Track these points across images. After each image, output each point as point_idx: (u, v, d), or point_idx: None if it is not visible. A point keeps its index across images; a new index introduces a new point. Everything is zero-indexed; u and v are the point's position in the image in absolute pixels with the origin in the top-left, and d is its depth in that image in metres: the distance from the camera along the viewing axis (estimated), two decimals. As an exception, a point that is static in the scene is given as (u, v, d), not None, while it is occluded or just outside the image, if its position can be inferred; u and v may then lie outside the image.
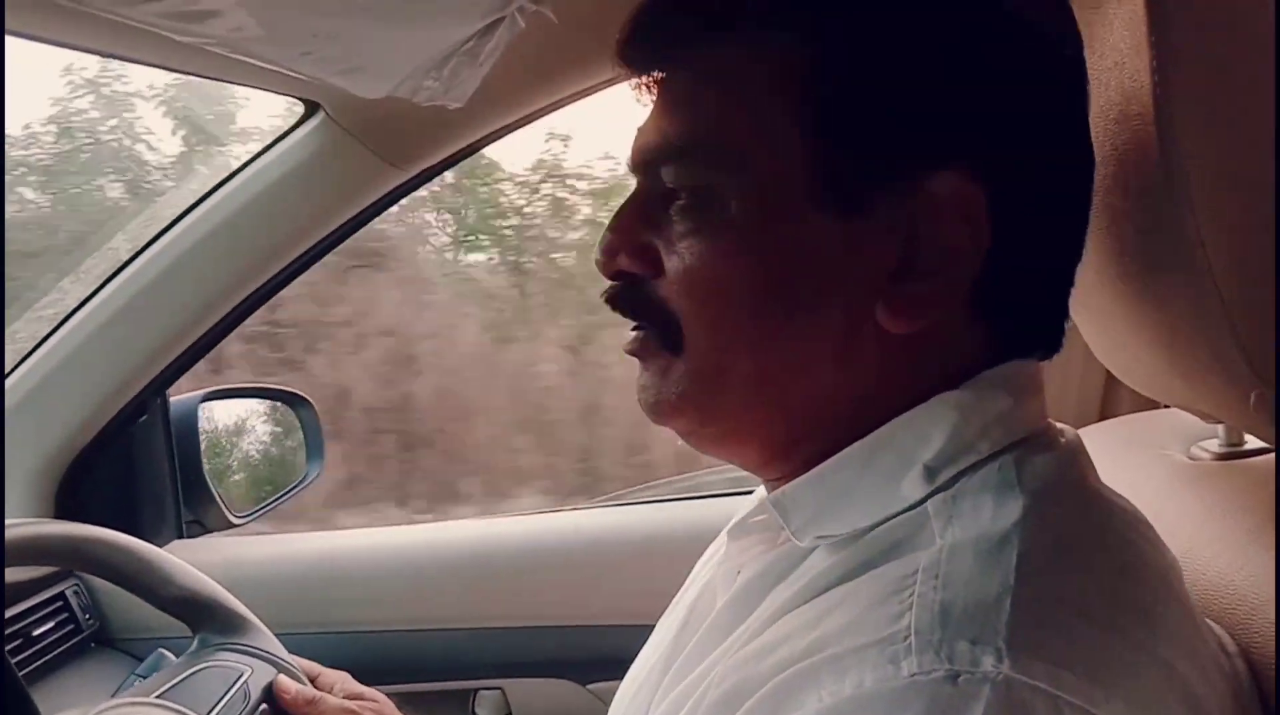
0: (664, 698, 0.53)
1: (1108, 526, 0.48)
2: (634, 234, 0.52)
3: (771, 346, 0.49)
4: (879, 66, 0.46)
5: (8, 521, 0.80)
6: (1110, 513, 0.49)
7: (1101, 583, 0.43)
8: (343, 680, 0.91)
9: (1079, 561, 0.44)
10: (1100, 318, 0.65)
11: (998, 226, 0.47)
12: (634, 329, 0.54)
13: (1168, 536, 0.58)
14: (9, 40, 0.63)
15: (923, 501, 0.47)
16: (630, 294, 0.53)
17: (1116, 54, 0.53)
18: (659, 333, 0.52)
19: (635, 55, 0.53)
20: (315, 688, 0.89)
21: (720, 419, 0.52)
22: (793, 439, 0.51)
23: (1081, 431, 0.86)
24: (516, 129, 1.07)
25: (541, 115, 1.06)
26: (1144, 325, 0.57)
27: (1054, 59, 0.49)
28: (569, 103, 1.04)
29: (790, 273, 0.48)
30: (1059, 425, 0.55)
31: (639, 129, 0.53)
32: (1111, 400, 1.06)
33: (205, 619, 0.87)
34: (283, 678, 0.85)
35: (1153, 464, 0.73)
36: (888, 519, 0.48)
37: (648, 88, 0.53)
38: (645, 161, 0.52)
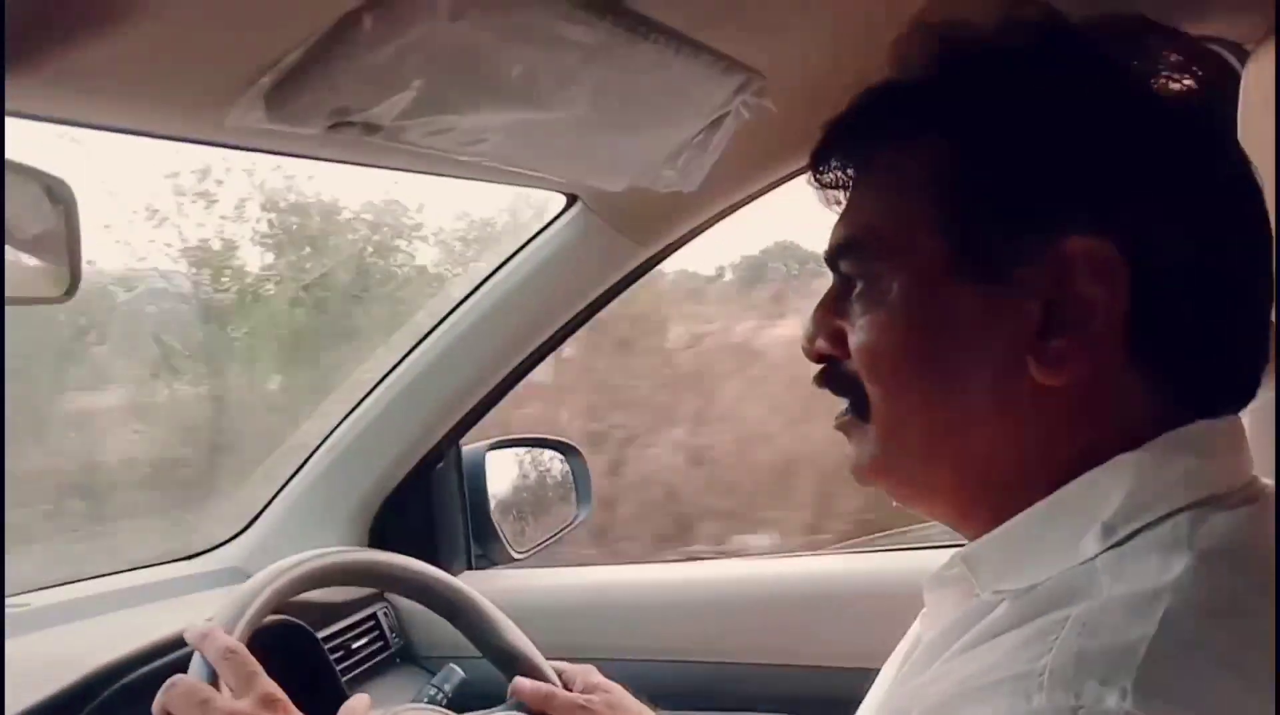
0: None
1: (1272, 584, 0.47)
2: (826, 322, 0.60)
3: (935, 406, 0.55)
4: (997, 159, 0.53)
5: (347, 549, 0.97)
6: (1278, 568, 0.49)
7: (1254, 638, 0.44)
8: (585, 673, 0.99)
9: (1232, 616, 0.45)
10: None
11: (1142, 280, 0.50)
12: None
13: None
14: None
15: (1095, 556, 0.49)
16: (831, 374, 0.61)
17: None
18: (852, 405, 0.59)
19: (820, 166, 0.63)
20: (562, 682, 0.97)
21: (909, 477, 0.58)
22: (978, 493, 0.55)
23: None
24: (744, 205, 1.18)
25: (765, 192, 1.15)
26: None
27: (1165, 118, 0.53)
28: (788, 180, 1.13)
29: (942, 339, 0.54)
30: (1264, 481, 0.55)
31: (832, 231, 0.62)
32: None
33: (520, 672, 0.97)
34: (520, 678, 0.95)
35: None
36: (1062, 573, 0.50)
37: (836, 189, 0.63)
38: (830, 258, 0.61)
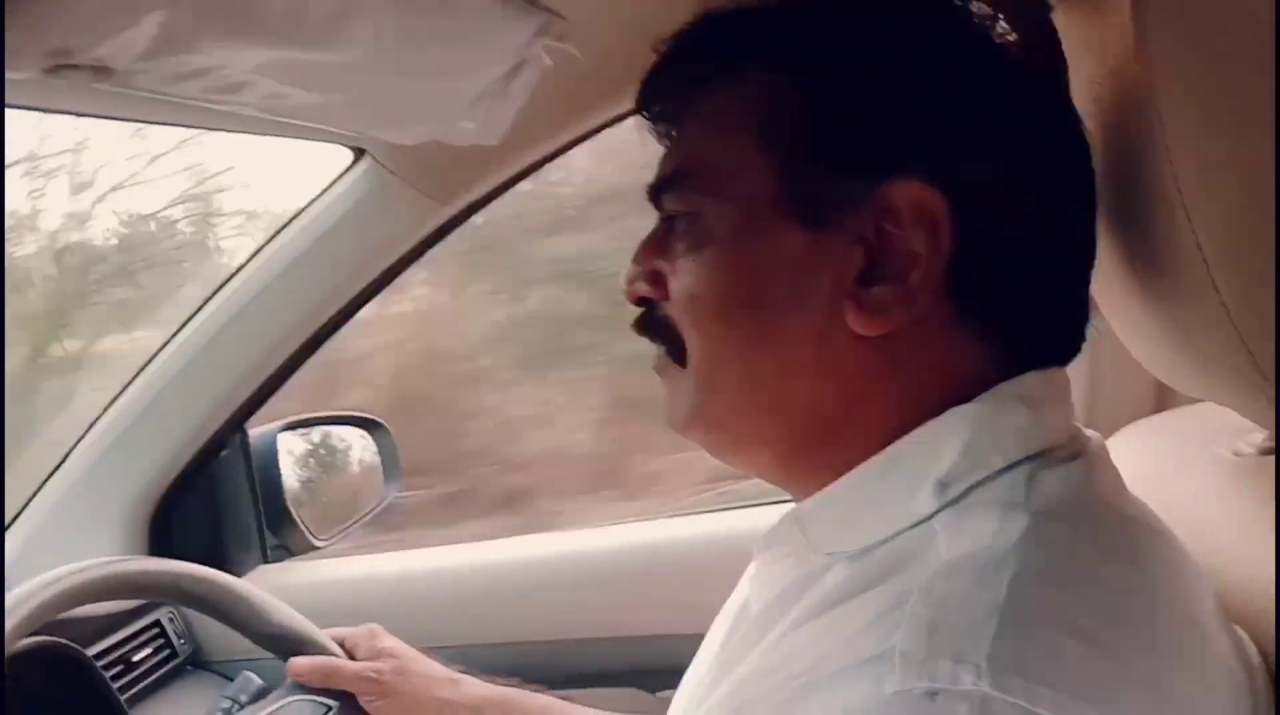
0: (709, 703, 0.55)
1: (1117, 544, 0.48)
2: (648, 262, 0.57)
3: (754, 352, 0.53)
4: (828, 94, 0.51)
5: (118, 558, 0.87)
6: (1122, 530, 0.49)
7: (1098, 601, 0.43)
8: (369, 636, 0.94)
9: (1077, 581, 0.44)
10: (1125, 315, 0.65)
11: (963, 232, 0.49)
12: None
13: (1207, 536, 0.57)
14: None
15: (932, 516, 0.48)
16: (648, 317, 0.58)
17: (1114, 59, 0.54)
18: (668, 349, 0.57)
19: (648, 102, 0.60)
20: (345, 651, 0.92)
21: (724, 426, 0.56)
22: (799, 447, 0.54)
23: (1131, 427, 0.86)
24: (554, 159, 1.11)
25: (576, 144, 1.09)
26: (1161, 323, 0.57)
27: (1003, 68, 0.52)
28: (600, 131, 1.07)
29: (764, 281, 0.52)
30: (1087, 433, 0.55)
31: (658, 167, 0.59)
32: (1167, 393, 1.04)
33: (298, 654, 0.91)
34: (295, 659, 0.89)
35: (1196, 460, 0.72)
36: (899, 533, 0.49)
37: (666, 129, 0.60)
38: (654, 194, 0.58)
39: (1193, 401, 0.93)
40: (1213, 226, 0.48)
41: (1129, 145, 0.52)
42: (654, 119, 0.60)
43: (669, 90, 0.58)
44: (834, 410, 0.52)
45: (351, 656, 0.93)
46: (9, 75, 0.55)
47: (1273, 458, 0.67)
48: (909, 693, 0.39)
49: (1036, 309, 0.52)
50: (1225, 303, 0.48)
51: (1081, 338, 0.55)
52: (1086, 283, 0.54)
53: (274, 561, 1.36)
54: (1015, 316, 0.51)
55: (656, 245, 0.57)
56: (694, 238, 0.54)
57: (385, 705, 0.89)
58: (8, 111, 0.67)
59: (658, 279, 0.57)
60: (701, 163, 0.55)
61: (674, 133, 0.59)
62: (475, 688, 0.94)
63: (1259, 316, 0.48)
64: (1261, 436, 0.69)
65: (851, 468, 0.52)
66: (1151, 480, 0.59)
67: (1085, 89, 0.57)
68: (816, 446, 0.53)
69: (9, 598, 0.79)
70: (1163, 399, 1.07)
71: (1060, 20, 0.63)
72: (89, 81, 0.57)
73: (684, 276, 0.54)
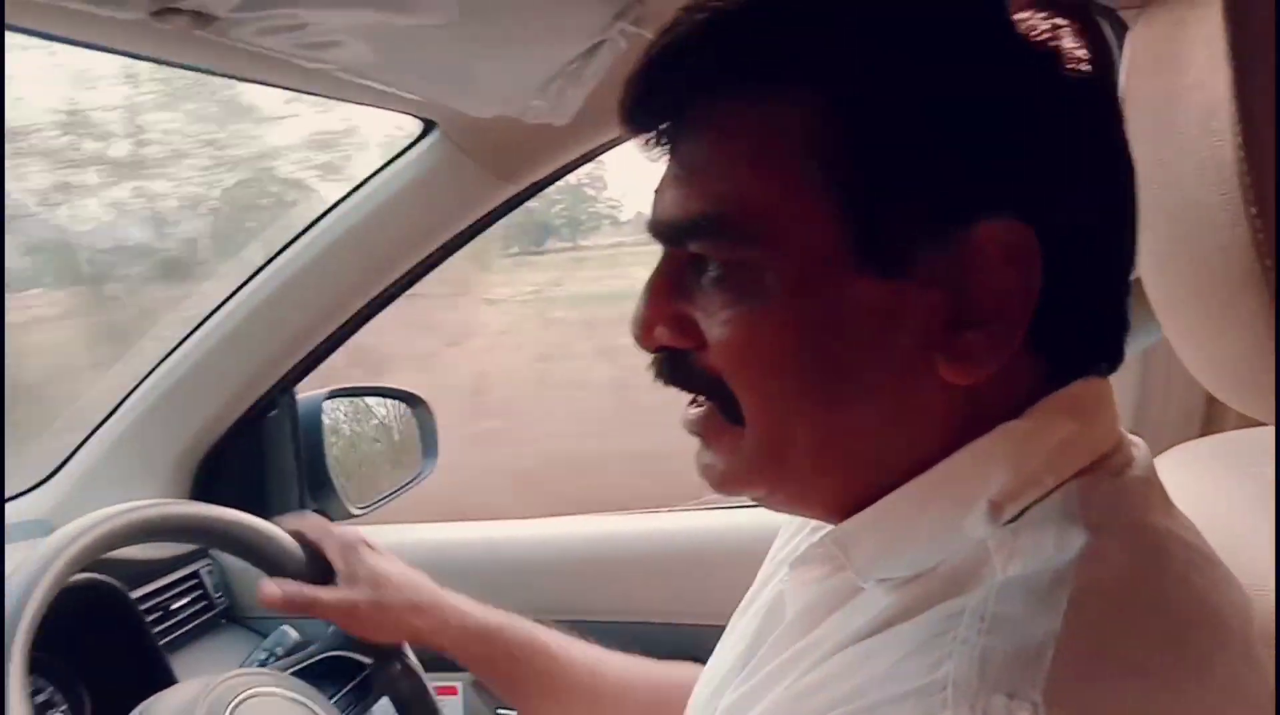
0: (732, 699, 0.54)
1: (1170, 567, 0.45)
2: (668, 306, 0.51)
3: (832, 413, 0.48)
4: (908, 120, 0.45)
5: (164, 501, 0.88)
6: (1174, 550, 0.47)
7: (1155, 631, 0.41)
8: (344, 552, 0.90)
9: (1134, 607, 0.42)
10: (1189, 332, 0.64)
11: (1049, 261, 0.45)
12: (692, 403, 0.53)
13: (1251, 562, 0.57)
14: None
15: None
16: (676, 367, 0.52)
17: (1197, 70, 0.54)
18: (719, 406, 0.51)
19: (642, 115, 0.51)
20: (316, 549, 0.91)
21: (790, 485, 0.51)
22: (860, 493, 0.50)
23: (1178, 448, 0.85)
24: (618, 144, 1.11)
25: (643, 131, 1.09)
26: (1228, 340, 0.56)
27: (1083, 88, 0.48)
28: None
29: (839, 339, 0.47)
30: (1133, 440, 0.54)
31: (657, 194, 0.51)
32: (1215, 415, 1.03)
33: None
34: (267, 590, 0.86)
35: (1245, 484, 0.71)
36: (951, 555, 0.46)
37: (659, 143, 0.51)
38: (673, 233, 0.51)
39: (1241, 427, 0.92)
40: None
41: (1209, 159, 0.52)
42: (647, 131, 0.51)
43: (687, 94, 0.48)
44: (906, 459, 0.48)
45: (318, 554, 0.91)
46: (116, 15, 0.57)
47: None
48: None
49: (1094, 326, 0.50)
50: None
51: (1123, 347, 0.52)
52: (1129, 292, 0.51)
53: (313, 525, 1.37)
54: (1078, 337, 0.49)
55: (675, 286, 0.51)
56: (743, 289, 0.47)
57: (364, 633, 0.89)
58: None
59: (684, 325, 0.50)
60: (747, 204, 0.46)
61: (689, 157, 0.49)
62: (455, 619, 0.91)
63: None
64: (1316, 464, 0.68)
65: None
66: (1198, 501, 0.58)
67: (1159, 105, 0.57)
68: (876, 488, 0.49)
69: (59, 534, 0.80)
70: (1209, 423, 1.06)
71: (1133, 38, 0.63)
72: (190, 27, 0.59)
73: (731, 330, 0.48)
